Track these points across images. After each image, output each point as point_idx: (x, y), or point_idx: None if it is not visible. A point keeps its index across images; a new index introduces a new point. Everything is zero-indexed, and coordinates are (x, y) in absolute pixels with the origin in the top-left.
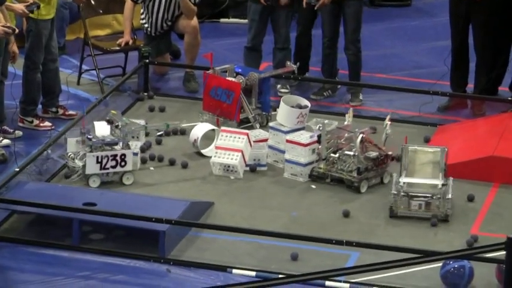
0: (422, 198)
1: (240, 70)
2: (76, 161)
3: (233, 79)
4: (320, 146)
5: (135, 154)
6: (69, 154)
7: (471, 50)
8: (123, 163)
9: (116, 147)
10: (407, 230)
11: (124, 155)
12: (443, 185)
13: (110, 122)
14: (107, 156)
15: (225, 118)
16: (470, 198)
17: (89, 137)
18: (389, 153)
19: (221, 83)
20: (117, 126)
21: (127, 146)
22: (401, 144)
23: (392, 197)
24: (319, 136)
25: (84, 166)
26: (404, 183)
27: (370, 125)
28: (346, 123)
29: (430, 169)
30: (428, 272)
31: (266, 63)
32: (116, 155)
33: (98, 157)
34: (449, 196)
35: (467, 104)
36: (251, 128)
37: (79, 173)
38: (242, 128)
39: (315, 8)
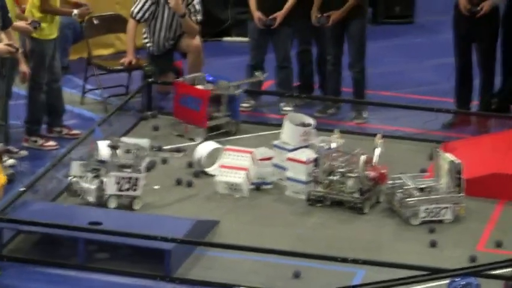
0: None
1: (211, 79)
2: (82, 183)
3: (202, 87)
4: (317, 170)
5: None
6: (72, 177)
7: (475, 68)
8: (134, 187)
9: (128, 169)
10: (413, 246)
11: (137, 179)
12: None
13: (113, 147)
14: (124, 178)
15: (195, 125)
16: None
17: (101, 159)
18: (383, 171)
19: (190, 91)
20: (128, 151)
21: (138, 171)
22: (435, 148)
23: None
24: (316, 159)
25: (99, 188)
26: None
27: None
28: (334, 144)
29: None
30: None
31: (270, 81)
32: (130, 178)
33: (116, 178)
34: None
35: (471, 121)
36: (223, 134)
37: (82, 196)
38: (212, 135)
39: (325, 26)
